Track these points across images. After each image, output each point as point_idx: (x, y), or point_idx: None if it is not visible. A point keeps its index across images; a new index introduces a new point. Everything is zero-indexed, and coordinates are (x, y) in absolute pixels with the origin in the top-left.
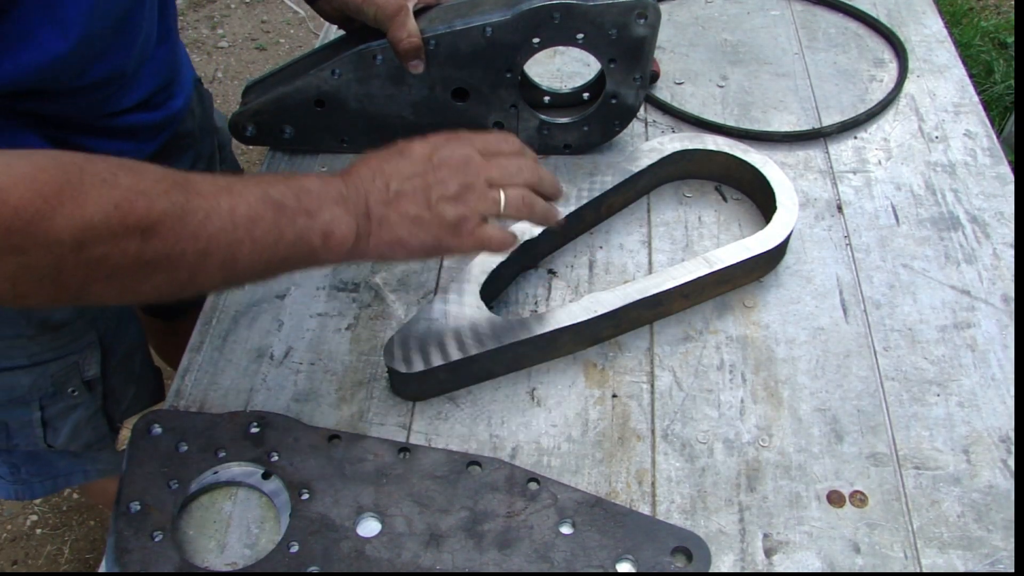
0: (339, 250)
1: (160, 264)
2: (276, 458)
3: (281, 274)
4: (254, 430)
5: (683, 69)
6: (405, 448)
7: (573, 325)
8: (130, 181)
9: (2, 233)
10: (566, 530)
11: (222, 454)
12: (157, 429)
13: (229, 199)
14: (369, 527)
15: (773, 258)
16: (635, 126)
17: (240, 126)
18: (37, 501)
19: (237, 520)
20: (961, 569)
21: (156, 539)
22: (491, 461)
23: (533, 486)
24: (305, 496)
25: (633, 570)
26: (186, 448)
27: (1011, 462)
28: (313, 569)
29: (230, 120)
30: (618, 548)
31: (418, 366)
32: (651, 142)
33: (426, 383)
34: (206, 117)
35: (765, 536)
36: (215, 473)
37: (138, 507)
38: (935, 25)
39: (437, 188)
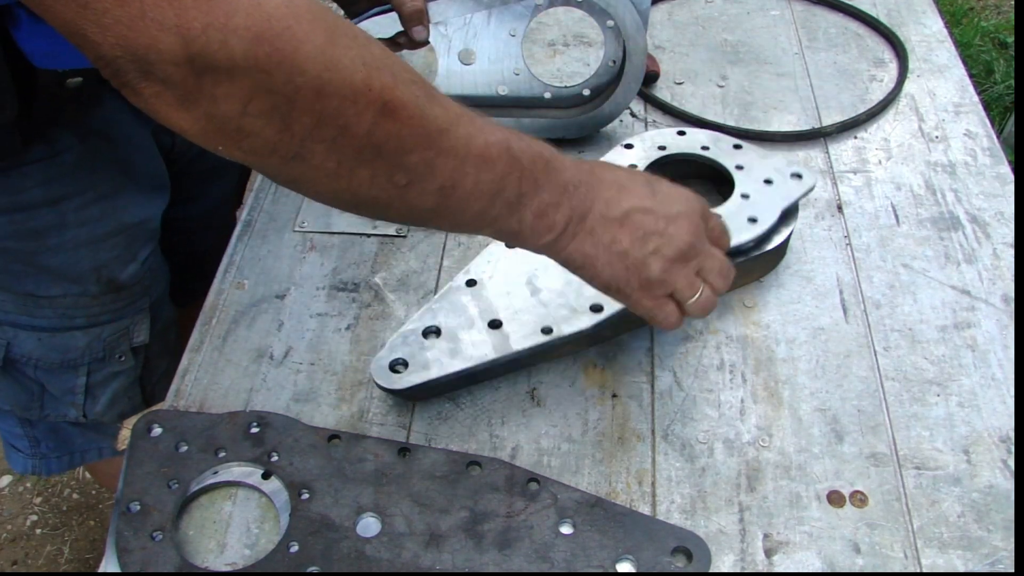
0: (542, 236)
1: (386, 152)
2: (276, 458)
3: (479, 232)
4: (254, 430)
5: (683, 69)
6: (405, 448)
7: (573, 333)
8: (381, 53)
9: (250, 41)
10: (566, 530)
11: (222, 454)
12: (157, 429)
13: (469, 127)
14: (369, 527)
15: (773, 258)
16: (635, 126)
17: None
18: (37, 501)
19: (237, 520)
20: (961, 569)
21: (156, 539)
22: (491, 461)
23: (533, 486)
24: (305, 496)
25: (633, 570)
26: (186, 448)
27: (1011, 462)
28: (313, 569)
29: None
30: (618, 548)
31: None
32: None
33: (419, 393)
34: None
35: (765, 536)
36: (215, 473)
37: (138, 507)
38: (935, 25)
39: (659, 241)
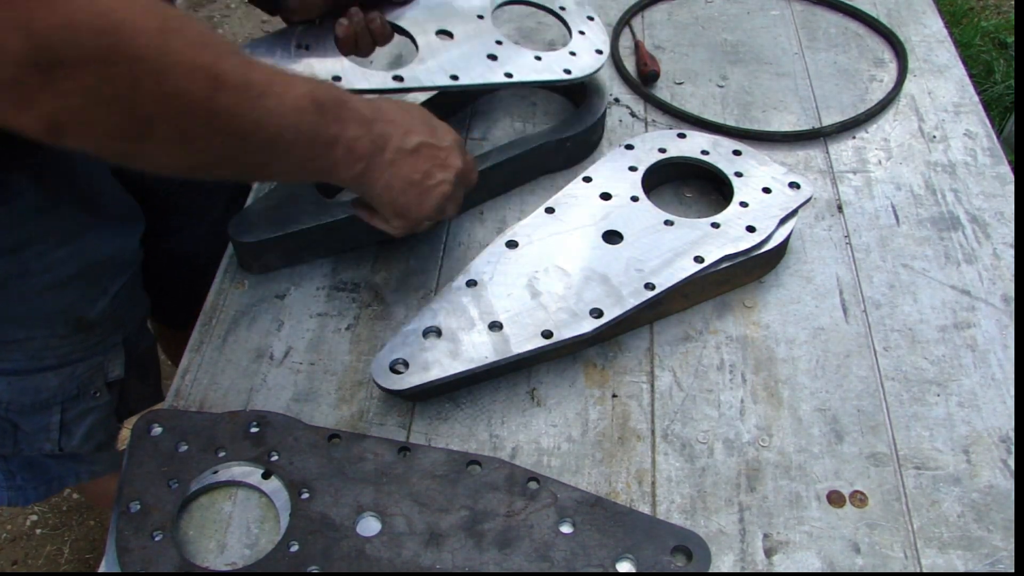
0: (353, 167)
1: (222, 118)
2: (276, 458)
3: (302, 176)
4: (254, 429)
5: (683, 69)
6: (405, 447)
7: (573, 337)
8: (204, 31)
9: (94, 35)
10: (566, 529)
11: (222, 454)
12: (157, 429)
13: (283, 84)
14: (369, 526)
15: (773, 258)
16: (635, 126)
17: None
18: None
19: (237, 520)
20: (961, 569)
21: (156, 539)
22: (491, 460)
23: (533, 485)
24: (305, 496)
25: (633, 569)
26: (186, 448)
27: (1011, 462)
28: (313, 569)
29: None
30: (618, 547)
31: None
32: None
33: (419, 394)
34: None
35: (765, 536)
36: (215, 473)
37: (138, 507)
38: (935, 25)
39: (443, 173)
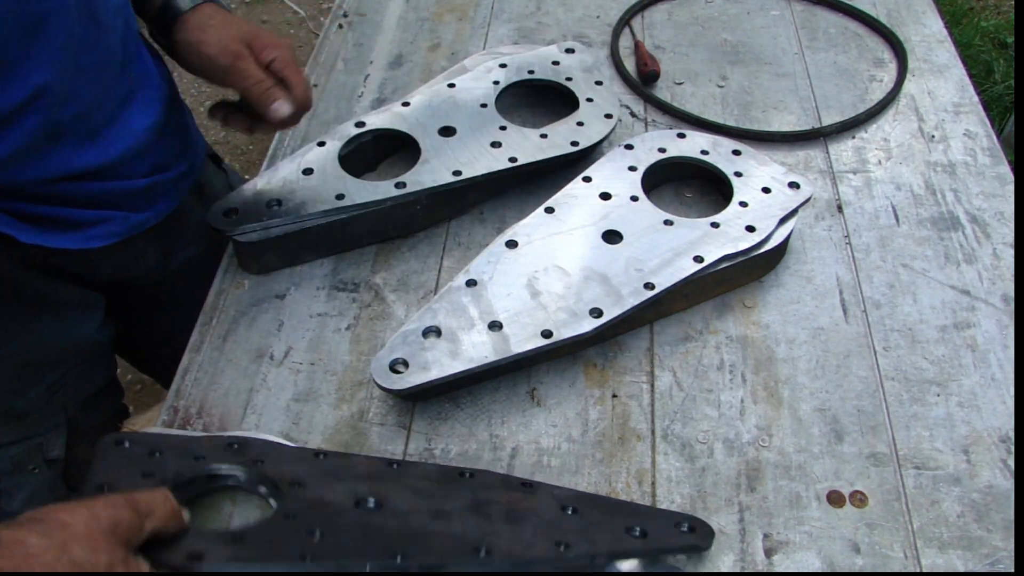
0: None
1: None
2: (263, 464)
3: None
4: (235, 445)
5: (683, 69)
6: (395, 462)
7: (573, 337)
8: None
9: None
10: (570, 512)
11: (201, 461)
12: (127, 444)
13: None
14: (370, 506)
15: (773, 258)
16: (635, 126)
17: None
18: None
19: (237, 520)
20: (961, 569)
21: None
22: (482, 472)
23: (528, 488)
24: (298, 488)
25: (641, 544)
26: (160, 455)
27: (1011, 462)
28: (317, 532)
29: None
30: (626, 523)
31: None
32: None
33: (419, 394)
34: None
35: (765, 536)
36: (196, 461)
37: (106, 490)
38: (935, 25)
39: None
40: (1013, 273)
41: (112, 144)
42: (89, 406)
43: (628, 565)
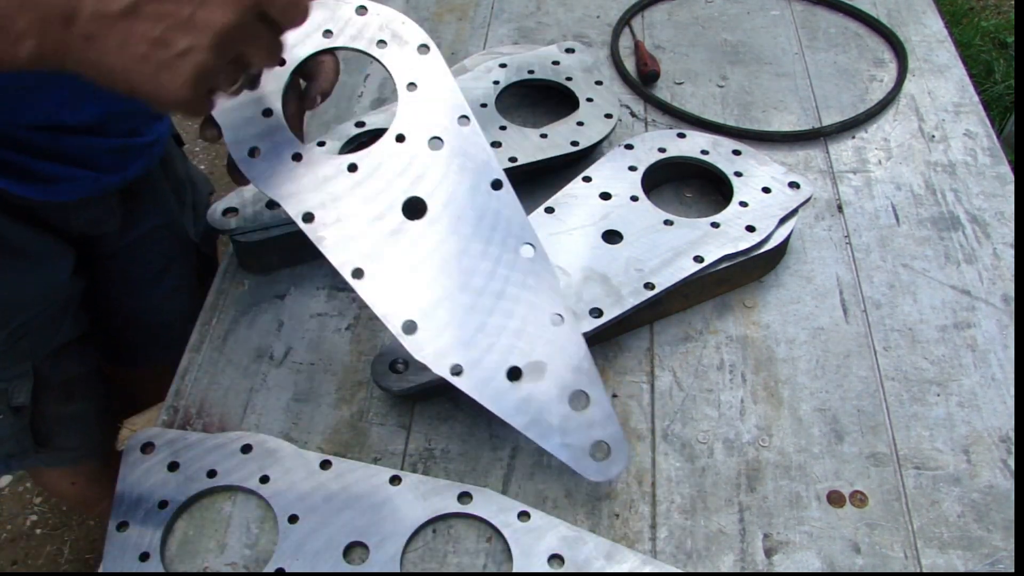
0: (18, 49)
1: None
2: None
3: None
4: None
5: (683, 69)
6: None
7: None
8: None
9: None
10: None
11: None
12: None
13: None
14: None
15: (773, 258)
16: (635, 126)
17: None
18: (37, 501)
19: (237, 520)
20: (961, 569)
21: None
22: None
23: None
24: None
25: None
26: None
27: (1011, 462)
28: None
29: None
30: None
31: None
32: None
33: (419, 394)
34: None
35: (765, 536)
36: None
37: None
38: (935, 25)
39: (187, 37)
40: (1013, 273)
41: (99, 103)
42: (56, 359)
43: (628, 565)
